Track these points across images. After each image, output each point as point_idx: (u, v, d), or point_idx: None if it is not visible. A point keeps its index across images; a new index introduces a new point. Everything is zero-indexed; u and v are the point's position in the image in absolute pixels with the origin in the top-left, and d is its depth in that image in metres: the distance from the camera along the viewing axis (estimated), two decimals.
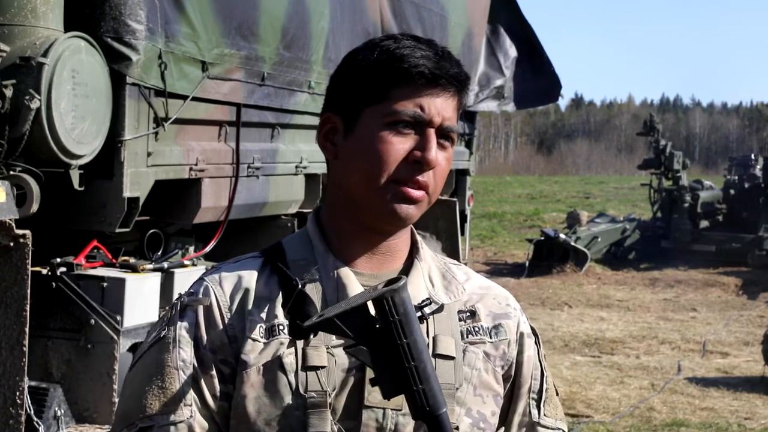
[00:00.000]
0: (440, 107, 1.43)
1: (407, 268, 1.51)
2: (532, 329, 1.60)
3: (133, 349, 3.75)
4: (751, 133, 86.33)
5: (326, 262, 1.46)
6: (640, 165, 19.24)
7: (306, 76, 5.19)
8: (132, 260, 4.16)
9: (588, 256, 15.77)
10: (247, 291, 1.44)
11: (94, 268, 3.98)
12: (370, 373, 1.34)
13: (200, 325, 1.43)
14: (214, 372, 1.41)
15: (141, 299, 3.91)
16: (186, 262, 4.41)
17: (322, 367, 1.40)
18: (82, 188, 3.74)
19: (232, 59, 4.51)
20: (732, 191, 18.53)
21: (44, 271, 3.77)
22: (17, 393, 3.02)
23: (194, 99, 4.25)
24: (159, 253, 4.50)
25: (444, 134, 1.44)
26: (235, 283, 1.45)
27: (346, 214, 1.48)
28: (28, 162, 3.49)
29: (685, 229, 17.29)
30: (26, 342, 3.03)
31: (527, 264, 15.95)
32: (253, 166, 4.81)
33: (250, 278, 1.46)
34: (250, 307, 1.43)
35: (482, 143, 68.70)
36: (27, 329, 3.03)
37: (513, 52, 8.16)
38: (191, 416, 1.40)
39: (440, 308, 1.48)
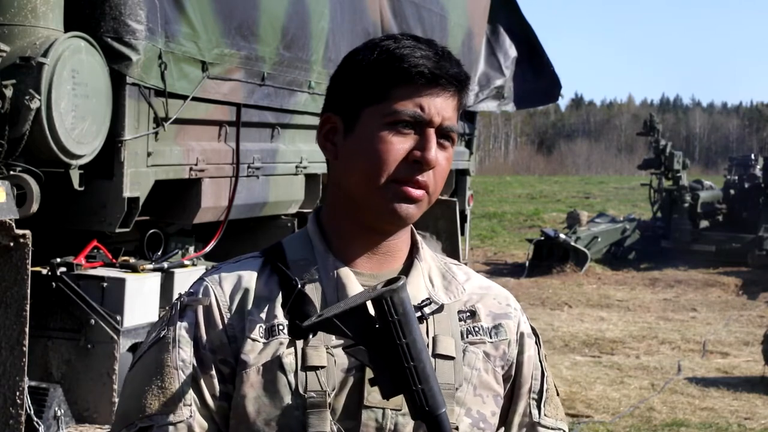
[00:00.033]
0: (440, 107, 1.43)
1: (407, 268, 1.51)
2: (533, 329, 1.60)
3: (133, 349, 3.75)
4: (751, 133, 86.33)
5: (326, 262, 1.46)
6: (640, 165, 19.24)
7: (306, 76, 5.19)
8: (132, 260, 4.16)
9: (588, 256, 15.77)
10: (246, 291, 1.44)
11: (94, 268, 3.98)
12: (369, 373, 1.34)
13: (200, 325, 1.43)
14: (213, 372, 1.41)
15: (141, 299, 3.91)
16: (186, 262, 4.41)
17: (322, 367, 1.40)
18: (82, 188, 3.74)
19: (232, 59, 4.51)
20: (732, 191, 18.53)
21: (44, 271, 3.77)
22: (17, 393, 3.02)
23: (194, 99, 4.25)
24: (159, 253, 4.50)
25: (444, 134, 1.44)
26: (235, 283, 1.45)
27: (346, 214, 1.48)
28: (28, 162, 3.49)
29: (685, 229, 17.29)
30: (26, 342, 3.03)
31: (527, 264, 15.95)
32: (253, 166, 4.81)
33: (250, 278, 1.46)
34: (249, 307, 1.43)
35: (482, 143, 68.70)
36: (27, 329, 3.03)
37: (513, 52, 8.16)
38: (191, 416, 1.40)
39: (440, 308, 1.48)
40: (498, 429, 1.54)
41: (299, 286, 1.42)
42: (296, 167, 5.27)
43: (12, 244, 3.01)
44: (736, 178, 19.09)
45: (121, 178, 3.86)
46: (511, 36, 8.17)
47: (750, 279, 15.17)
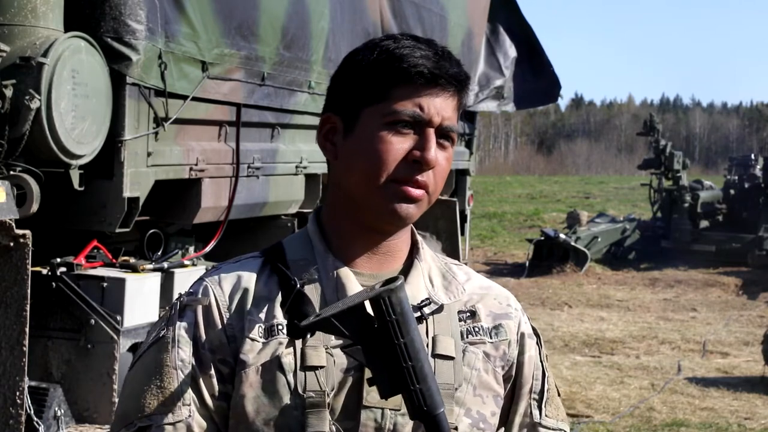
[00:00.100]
0: (440, 107, 1.43)
1: (407, 268, 1.50)
2: (534, 330, 1.60)
3: (133, 349, 3.75)
4: (751, 133, 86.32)
5: (326, 262, 1.46)
6: (640, 165, 19.24)
7: (306, 76, 5.19)
8: (132, 260, 4.16)
9: (588, 256, 15.77)
10: (246, 291, 1.45)
11: (94, 268, 3.98)
12: (368, 374, 1.34)
13: (199, 325, 1.43)
14: (212, 372, 1.41)
15: (141, 299, 3.91)
16: (186, 262, 4.41)
17: (321, 367, 1.40)
18: (82, 188, 3.74)
19: (232, 59, 4.51)
20: (732, 191, 18.53)
21: (44, 271, 3.77)
22: (17, 393, 3.02)
23: (194, 99, 4.25)
24: (159, 253, 4.50)
25: (444, 134, 1.44)
26: (235, 283, 1.45)
27: (346, 214, 1.48)
28: (28, 162, 3.49)
29: (685, 229, 17.29)
30: (26, 342, 3.03)
31: (527, 264, 15.95)
32: (253, 166, 4.81)
33: (250, 278, 1.46)
34: (249, 306, 1.43)
35: (482, 143, 68.70)
36: (27, 329, 3.03)
37: (513, 52, 8.17)
38: (190, 416, 1.40)
39: (440, 308, 1.48)
40: (498, 429, 1.53)
41: (298, 286, 1.42)
42: (296, 167, 5.28)
43: (12, 244, 3.01)
44: (736, 178, 19.09)
45: (121, 178, 3.86)
46: (510, 36, 8.17)
47: (750, 279, 15.17)
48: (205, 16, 4.28)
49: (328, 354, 1.41)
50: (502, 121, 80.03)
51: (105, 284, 3.83)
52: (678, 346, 10.25)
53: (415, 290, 1.47)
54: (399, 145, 1.41)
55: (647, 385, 8.38)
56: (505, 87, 8.02)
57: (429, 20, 6.63)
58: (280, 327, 1.42)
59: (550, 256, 15.79)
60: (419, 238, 1.55)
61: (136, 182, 3.92)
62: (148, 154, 4.02)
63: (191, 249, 4.75)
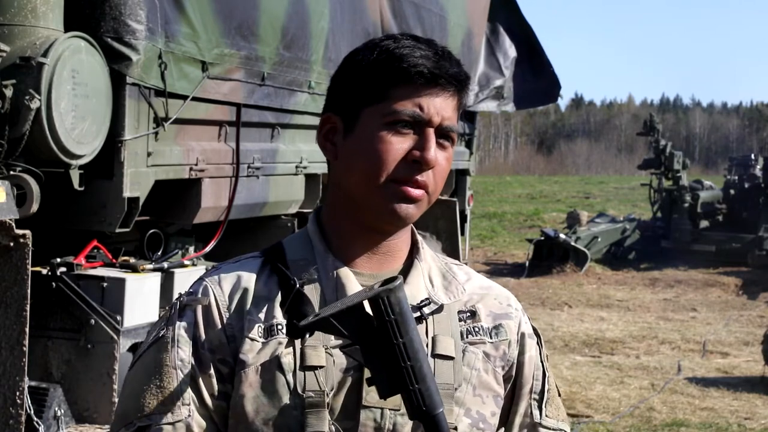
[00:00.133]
0: (439, 107, 1.43)
1: (407, 268, 1.50)
2: (535, 330, 1.59)
3: (133, 349, 3.75)
4: (751, 133, 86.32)
5: (326, 262, 1.46)
6: (640, 165, 19.24)
7: (306, 76, 5.19)
8: (132, 260, 4.16)
9: (588, 256, 15.77)
10: (245, 291, 1.45)
11: (94, 268, 3.98)
12: (368, 373, 1.34)
13: (199, 325, 1.43)
14: (212, 371, 1.42)
15: (141, 299, 3.91)
16: (186, 262, 4.41)
17: (321, 367, 1.40)
18: (82, 188, 3.74)
19: (232, 59, 4.51)
20: (732, 191, 18.53)
21: (44, 271, 3.77)
22: (17, 393, 3.02)
23: (194, 99, 4.25)
24: (159, 253, 4.50)
25: (444, 134, 1.44)
26: (234, 282, 1.45)
27: (346, 214, 1.48)
28: (28, 162, 3.49)
29: (685, 229, 17.29)
30: (26, 342, 3.03)
31: (527, 264, 15.95)
32: (253, 166, 4.81)
33: (249, 278, 1.46)
34: (248, 306, 1.43)
35: (482, 143, 68.69)
36: (27, 329, 3.03)
37: (512, 52, 8.17)
38: (189, 415, 1.40)
39: (440, 308, 1.48)
40: (498, 429, 1.53)
41: (297, 286, 1.42)
42: (296, 167, 5.27)
43: (12, 244, 3.01)
44: (736, 178, 19.09)
45: (121, 178, 3.86)
46: (510, 36, 8.17)
47: (750, 279, 15.17)
48: (205, 16, 4.28)
49: (327, 354, 1.41)
50: (502, 121, 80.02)
51: (105, 284, 3.83)
52: (678, 346, 10.25)
53: (414, 290, 1.47)
54: (399, 145, 1.41)
55: (647, 385, 8.38)
56: (505, 87, 8.02)
57: (429, 20, 6.63)
58: (279, 327, 1.42)
59: (550, 256, 15.79)
60: (419, 238, 1.55)
61: (136, 182, 3.92)
62: (148, 154, 4.02)
63: (191, 249, 4.75)
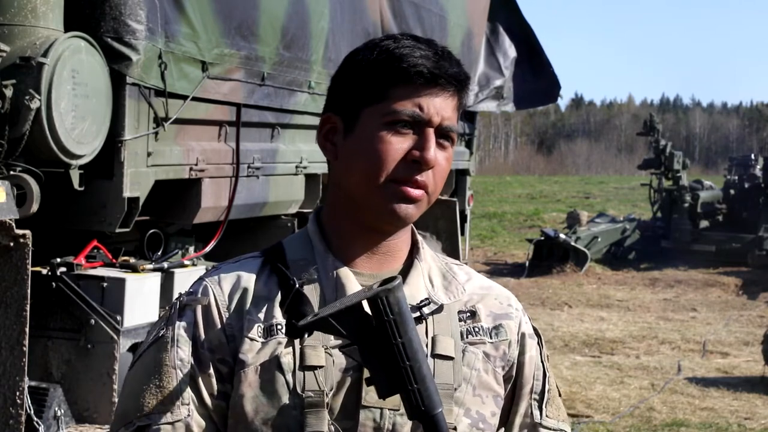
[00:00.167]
0: (439, 107, 1.43)
1: (407, 268, 1.50)
2: (535, 330, 1.59)
3: (133, 349, 3.75)
4: (751, 133, 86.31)
5: (326, 262, 1.46)
6: (640, 165, 19.24)
7: (306, 76, 5.19)
8: (132, 260, 4.16)
9: (588, 256, 15.76)
10: (245, 291, 1.45)
11: (94, 268, 3.98)
12: (367, 373, 1.34)
13: (198, 325, 1.43)
14: (212, 371, 1.42)
15: (141, 299, 3.91)
16: (186, 262, 4.41)
17: (320, 367, 1.40)
18: (82, 188, 3.74)
19: (232, 59, 4.51)
20: (732, 191, 18.53)
21: (44, 271, 3.77)
22: (17, 393, 3.02)
23: (194, 99, 4.25)
24: (159, 253, 4.50)
25: (443, 134, 1.44)
26: (234, 282, 1.45)
27: (346, 214, 1.48)
28: (28, 162, 3.49)
29: (685, 229, 17.29)
30: (26, 342, 3.03)
31: (527, 264, 15.95)
32: (253, 166, 4.81)
33: (249, 278, 1.46)
34: (248, 306, 1.44)
35: (482, 143, 68.69)
36: (27, 329, 3.03)
37: (512, 52, 8.17)
38: (189, 415, 1.40)
39: (439, 308, 1.48)
40: (498, 429, 1.53)
41: (297, 286, 1.42)
42: (296, 167, 5.27)
43: (12, 244, 3.01)
44: (736, 178, 19.09)
45: (121, 178, 3.86)
46: (510, 36, 8.17)
47: (750, 279, 15.17)
48: (205, 16, 4.28)
49: (327, 354, 1.41)
50: (502, 121, 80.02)
51: (105, 284, 3.83)
52: (678, 346, 10.25)
53: (414, 290, 1.47)
54: (398, 145, 1.41)
55: (647, 385, 8.38)
56: (505, 87, 8.02)
57: (429, 20, 6.63)
58: (279, 327, 1.42)
59: (550, 256, 15.79)
60: (419, 238, 1.55)
61: (136, 182, 3.92)
62: (148, 154, 4.02)
63: (191, 249, 4.75)
